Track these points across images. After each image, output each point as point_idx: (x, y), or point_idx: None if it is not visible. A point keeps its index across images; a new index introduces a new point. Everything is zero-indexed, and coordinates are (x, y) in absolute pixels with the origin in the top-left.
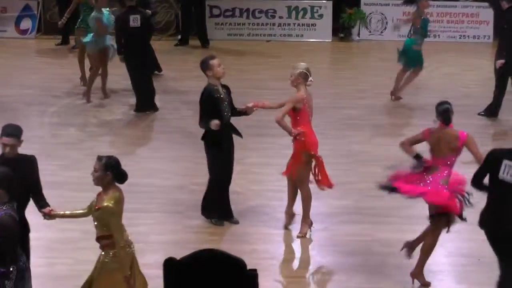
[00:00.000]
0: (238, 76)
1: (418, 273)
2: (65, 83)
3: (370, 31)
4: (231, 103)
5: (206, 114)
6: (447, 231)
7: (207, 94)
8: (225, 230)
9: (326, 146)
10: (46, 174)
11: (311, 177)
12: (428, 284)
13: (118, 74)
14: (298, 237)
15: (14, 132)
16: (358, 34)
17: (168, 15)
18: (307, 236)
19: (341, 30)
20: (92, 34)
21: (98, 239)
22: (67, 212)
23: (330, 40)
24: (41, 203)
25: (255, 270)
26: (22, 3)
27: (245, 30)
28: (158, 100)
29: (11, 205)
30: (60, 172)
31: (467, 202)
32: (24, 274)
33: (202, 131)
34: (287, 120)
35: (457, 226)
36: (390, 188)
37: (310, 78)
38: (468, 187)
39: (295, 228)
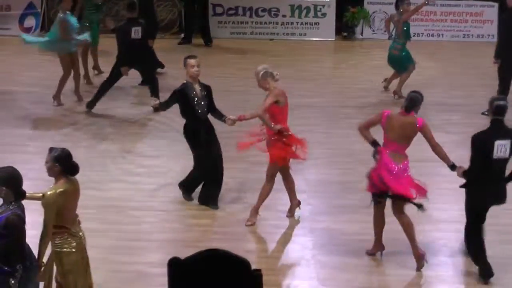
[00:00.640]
0: (241, 74)
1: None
2: (68, 81)
3: (373, 30)
4: (211, 103)
5: (169, 102)
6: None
7: (180, 88)
8: (229, 229)
9: (329, 145)
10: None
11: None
12: (423, 256)
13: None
14: (246, 225)
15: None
16: (362, 33)
17: (171, 13)
18: (295, 217)
19: (344, 29)
20: (55, 35)
21: None
22: (31, 193)
23: (333, 39)
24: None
25: (259, 270)
26: (26, 1)
27: (248, 28)
28: (160, 98)
29: (18, 204)
30: None
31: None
32: (30, 274)
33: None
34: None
35: (460, 226)
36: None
37: (276, 73)
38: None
39: (300, 228)
